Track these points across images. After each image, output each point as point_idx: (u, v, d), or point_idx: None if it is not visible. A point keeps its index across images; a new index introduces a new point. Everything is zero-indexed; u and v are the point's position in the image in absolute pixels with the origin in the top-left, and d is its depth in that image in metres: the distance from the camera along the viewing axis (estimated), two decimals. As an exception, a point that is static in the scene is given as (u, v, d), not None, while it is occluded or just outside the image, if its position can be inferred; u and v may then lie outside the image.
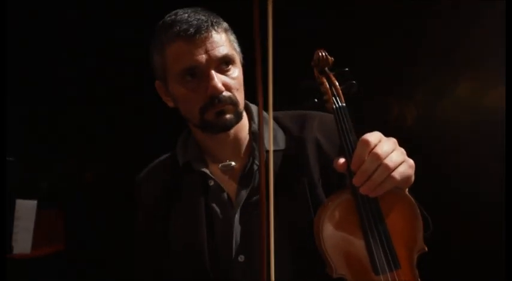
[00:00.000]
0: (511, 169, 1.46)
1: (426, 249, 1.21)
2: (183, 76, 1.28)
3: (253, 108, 1.41)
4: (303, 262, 1.25)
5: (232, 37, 1.33)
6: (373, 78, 2.42)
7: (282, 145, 1.35)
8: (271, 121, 0.98)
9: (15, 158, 1.73)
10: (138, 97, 3.13)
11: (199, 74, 1.27)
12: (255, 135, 1.36)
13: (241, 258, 1.28)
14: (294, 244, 1.25)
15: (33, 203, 1.90)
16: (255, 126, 1.37)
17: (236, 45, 1.34)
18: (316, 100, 1.27)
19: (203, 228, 1.30)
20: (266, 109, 0.98)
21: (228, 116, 1.28)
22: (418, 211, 1.20)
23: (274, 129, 1.37)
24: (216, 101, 1.26)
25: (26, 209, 1.88)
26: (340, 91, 1.25)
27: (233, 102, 1.28)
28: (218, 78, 1.26)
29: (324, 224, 1.17)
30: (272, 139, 1.08)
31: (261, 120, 0.97)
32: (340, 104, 1.23)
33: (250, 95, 1.34)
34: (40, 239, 2.41)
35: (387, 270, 1.15)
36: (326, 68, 1.30)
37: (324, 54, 1.29)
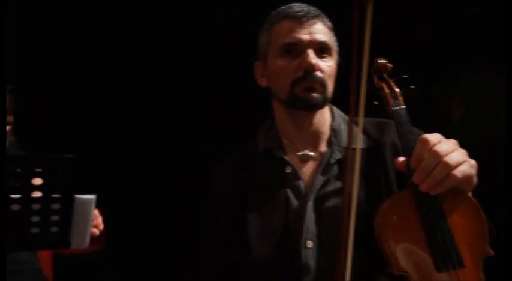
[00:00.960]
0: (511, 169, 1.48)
1: (492, 253, 1.21)
2: (283, 51, 1.40)
3: (335, 110, 1.50)
4: (368, 257, 1.26)
5: (334, 37, 1.45)
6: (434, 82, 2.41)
7: (362, 145, 1.40)
8: (361, 119, 1.06)
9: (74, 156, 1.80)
10: (195, 94, 3.19)
11: (298, 51, 1.39)
12: (336, 132, 1.45)
13: (309, 244, 1.34)
14: (363, 239, 1.25)
15: (91, 198, 1.96)
16: (336, 124, 1.46)
17: (335, 44, 1.45)
18: (376, 103, 1.36)
19: (281, 213, 1.37)
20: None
21: (315, 94, 1.38)
22: (482, 214, 1.21)
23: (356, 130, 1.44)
24: (309, 77, 1.37)
25: (84, 204, 1.94)
26: (399, 95, 1.33)
27: (323, 84, 1.38)
28: (314, 58, 1.37)
29: (386, 221, 1.21)
30: (360, 137, 1.20)
31: (352, 115, 1.08)
32: (399, 106, 1.31)
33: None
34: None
35: (450, 268, 1.16)
36: (385, 75, 1.38)
37: (383, 61, 1.38)
